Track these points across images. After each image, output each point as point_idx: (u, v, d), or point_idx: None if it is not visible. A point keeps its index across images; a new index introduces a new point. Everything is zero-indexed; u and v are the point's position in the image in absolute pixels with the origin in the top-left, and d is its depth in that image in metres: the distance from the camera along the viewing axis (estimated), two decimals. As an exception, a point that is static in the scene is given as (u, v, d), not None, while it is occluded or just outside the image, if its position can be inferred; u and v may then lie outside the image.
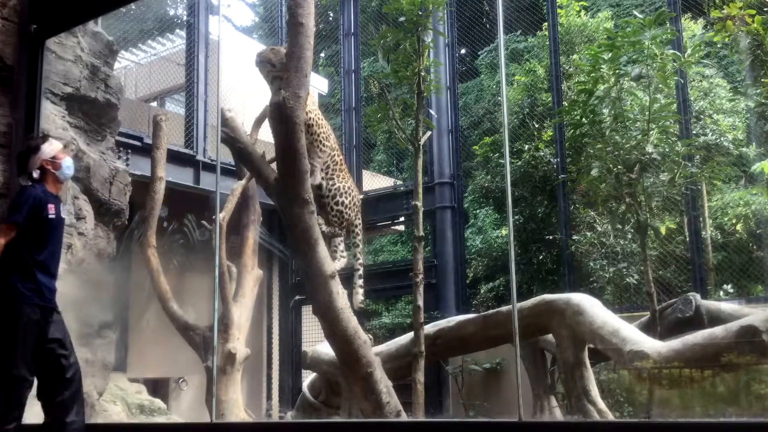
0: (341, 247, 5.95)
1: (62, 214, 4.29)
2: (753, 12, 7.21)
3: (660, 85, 6.98)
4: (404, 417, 5.38)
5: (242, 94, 10.87)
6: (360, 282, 6.20)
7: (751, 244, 10.12)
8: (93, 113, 7.03)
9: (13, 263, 4.01)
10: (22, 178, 4.27)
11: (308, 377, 8.48)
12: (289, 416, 9.29)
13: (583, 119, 7.40)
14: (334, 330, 5.27)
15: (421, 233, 6.66)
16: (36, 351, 3.98)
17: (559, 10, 11.80)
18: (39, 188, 4.17)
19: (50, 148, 4.26)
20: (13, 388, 3.90)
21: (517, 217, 12.04)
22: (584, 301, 6.47)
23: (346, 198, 5.87)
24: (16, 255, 4.02)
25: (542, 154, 11.77)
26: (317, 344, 8.35)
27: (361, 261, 6.29)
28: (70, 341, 4.18)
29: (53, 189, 4.26)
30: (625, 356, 5.82)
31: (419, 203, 6.65)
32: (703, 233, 9.46)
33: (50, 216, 4.14)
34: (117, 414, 7.79)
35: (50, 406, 3.99)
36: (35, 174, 4.20)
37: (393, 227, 14.39)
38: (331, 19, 17.72)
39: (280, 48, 5.69)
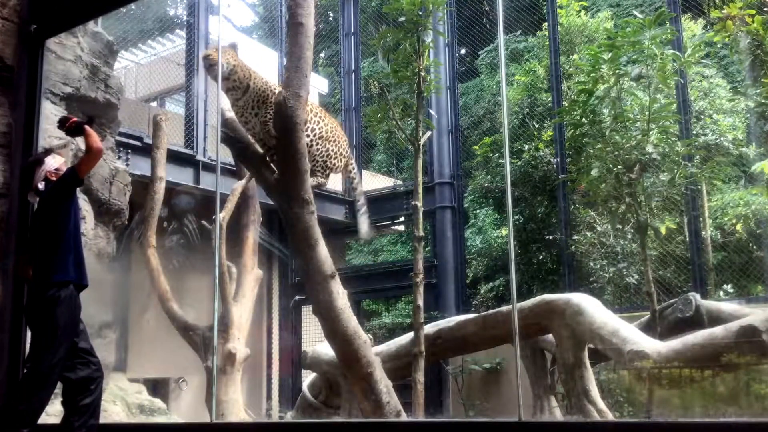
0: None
1: None
2: (753, 12, 7.21)
3: (660, 85, 6.98)
4: (404, 417, 5.38)
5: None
6: (363, 210, 6.35)
7: (751, 244, 10.11)
8: (93, 113, 7.04)
9: (69, 254, 4.12)
10: (30, 195, 4.35)
11: (308, 377, 8.47)
12: (289, 416, 9.29)
13: (583, 119, 7.39)
14: (334, 330, 5.27)
15: (421, 233, 6.66)
16: (69, 357, 4.05)
17: (559, 10, 11.79)
18: None
19: (53, 161, 4.36)
20: (40, 389, 3.94)
21: (517, 217, 12.04)
22: (584, 301, 6.47)
23: (331, 146, 5.84)
24: (66, 246, 4.12)
25: (542, 154, 11.77)
26: (317, 344, 8.35)
27: (362, 202, 6.43)
28: (93, 348, 4.28)
29: None
30: (625, 356, 5.82)
31: (419, 203, 6.65)
32: (703, 233, 9.46)
33: None
34: (117, 414, 7.79)
35: (74, 407, 4.06)
36: (41, 186, 4.27)
37: (393, 227, 14.40)
38: (331, 19, 17.72)
39: (231, 53, 5.51)
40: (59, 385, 4.12)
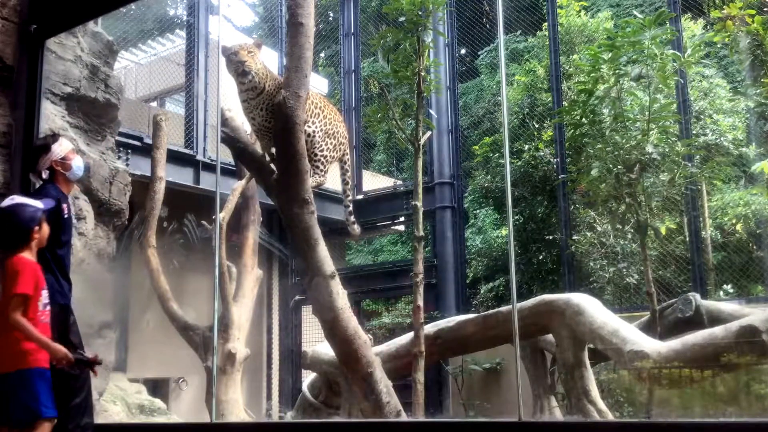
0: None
1: (71, 211, 4.28)
2: (753, 12, 7.22)
3: (660, 85, 6.98)
4: (404, 417, 5.38)
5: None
6: (351, 218, 6.32)
7: (751, 244, 10.12)
8: (93, 113, 7.03)
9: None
10: (32, 175, 4.25)
11: (308, 377, 8.48)
12: (289, 416, 9.29)
13: (583, 119, 7.40)
14: (334, 330, 5.27)
15: (421, 233, 6.65)
16: None
17: (559, 10, 11.80)
18: (53, 188, 4.13)
19: (60, 149, 4.18)
20: None
21: (517, 217, 12.03)
22: (584, 301, 6.47)
23: (330, 140, 5.83)
24: (38, 256, 4.00)
25: (542, 154, 11.77)
26: (317, 344, 8.35)
27: (350, 198, 6.42)
28: (82, 343, 4.19)
29: (64, 189, 4.21)
30: (625, 356, 5.82)
31: (419, 203, 6.65)
32: (703, 233, 9.46)
33: (65, 216, 4.13)
34: (117, 414, 7.79)
35: (64, 409, 3.97)
36: (44, 174, 4.14)
37: (393, 227, 14.40)
38: (331, 19, 17.72)
39: (248, 46, 5.47)
40: None
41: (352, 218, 6.33)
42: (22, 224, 3.83)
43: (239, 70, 5.37)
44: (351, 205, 6.39)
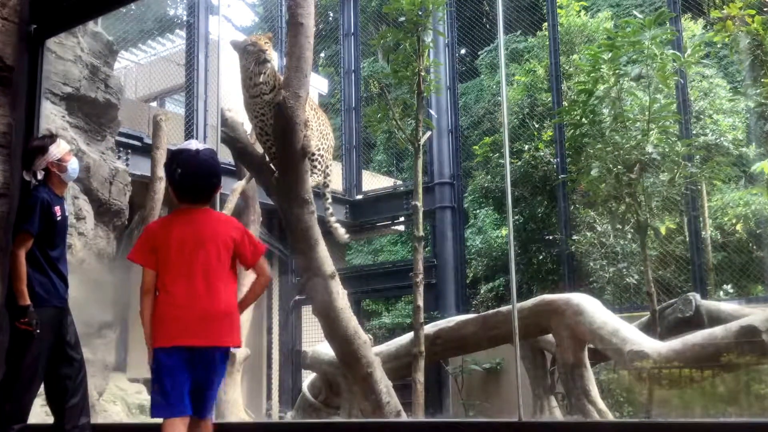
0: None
1: (65, 213, 4.27)
2: (753, 12, 7.22)
3: (660, 85, 6.98)
4: (404, 417, 5.38)
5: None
6: (333, 219, 6.04)
7: (751, 244, 10.12)
8: (93, 113, 7.05)
9: (29, 267, 3.96)
10: (26, 173, 4.23)
11: (308, 377, 8.47)
12: (289, 416, 9.29)
13: (583, 119, 7.40)
14: (334, 330, 5.27)
15: (421, 233, 6.66)
16: (50, 353, 3.98)
17: (559, 10, 11.80)
18: (44, 190, 4.12)
19: (57, 150, 4.18)
20: (24, 388, 3.90)
21: (517, 217, 12.04)
22: (584, 301, 6.47)
23: (324, 140, 5.82)
24: (30, 259, 3.98)
25: (542, 154, 11.78)
26: (317, 344, 8.35)
27: (330, 200, 6.14)
28: (79, 343, 4.18)
29: (58, 190, 4.21)
30: (625, 356, 5.82)
31: (419, 203, 6.65)
32: (703, 233, 9.46)
33: (57, 218, 4.11)
34: (117, 414, 7.79)
35: (61, 410, 3.98)
36: (39, 175, 4.14)
37: (393, 227, 14.41)
38: (331, 19, 17.73)
39: (264, 36, 5.52)
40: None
41: (331, 212, 6.12)
42: (218, 171, 3.27)
43: (260, 59, 5.31)
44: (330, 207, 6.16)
